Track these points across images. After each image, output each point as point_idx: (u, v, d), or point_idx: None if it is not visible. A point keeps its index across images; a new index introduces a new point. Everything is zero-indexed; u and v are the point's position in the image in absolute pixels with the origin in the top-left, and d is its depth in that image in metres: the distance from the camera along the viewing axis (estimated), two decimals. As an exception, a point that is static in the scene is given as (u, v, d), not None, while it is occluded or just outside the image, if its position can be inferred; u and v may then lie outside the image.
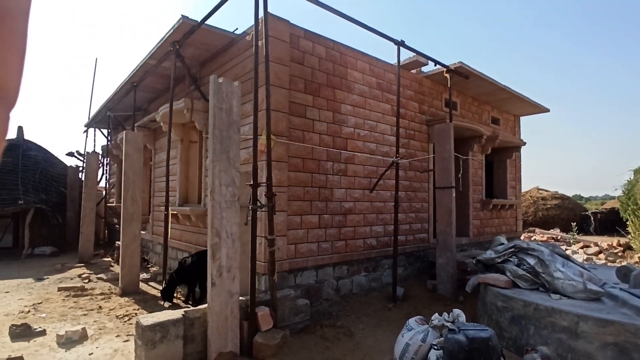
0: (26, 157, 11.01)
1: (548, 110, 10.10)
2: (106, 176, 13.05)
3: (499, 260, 4.77)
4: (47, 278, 7.30)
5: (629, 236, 11.39)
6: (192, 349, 3.46)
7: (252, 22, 4.43)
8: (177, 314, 3.46)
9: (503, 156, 9.88)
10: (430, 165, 7.76)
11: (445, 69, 6.97)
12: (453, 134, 5.86)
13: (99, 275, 7.39)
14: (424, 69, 7.61)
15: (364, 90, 6.29)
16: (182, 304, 5.53)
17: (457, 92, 8.39)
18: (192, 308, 3.64)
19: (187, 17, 5.31)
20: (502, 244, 6.18)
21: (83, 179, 12.84)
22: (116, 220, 12.20)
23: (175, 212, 6.49)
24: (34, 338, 4.19)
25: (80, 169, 11.79)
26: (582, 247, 12.49)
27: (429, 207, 7.50)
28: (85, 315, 5.07)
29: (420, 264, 7.20)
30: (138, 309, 5.28)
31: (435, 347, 3.30)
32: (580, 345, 3.41)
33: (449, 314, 3.53)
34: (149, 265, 8.72)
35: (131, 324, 4.70)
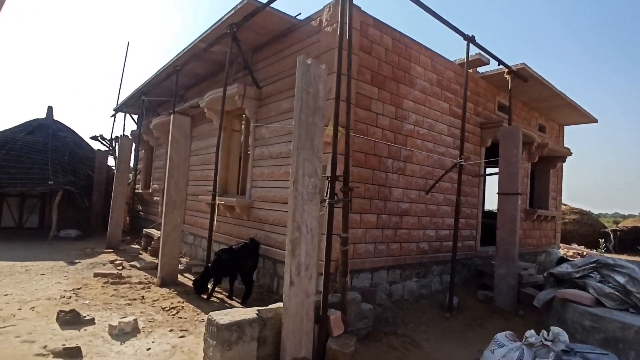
0: (56, 137, 10.84)
1: (596, 121, 9.68)
2: (133, 162, 12.87)
3: (577, 275, 4.43)
4: (79, 262, 7.09)
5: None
6: (263, 351, 3.17)
7: (313, 7, 4.12)
8: (251, 313, 3.18)
9: (547, 166, 9.48)
10: (481, 171, 7.42)
11: (506, 70, 6.62)
12: (522, 137, 5.51)
13: (132, 263, 7.15)
14: (481, 69, 7.27)
15: (425, 87, 5.97)
16: (227, 300, 5.26)
17: (508, 94, 8.02)
18: (264, 307, 3.34)
19: (254, -4, 5.02)
20: (559, 257, 5.82)
21: (112, 163, 12.71)
22: (140, 207, 12.01)
23: (222, 202, 6.19)
24: (83, 326, 3.94)
25: (109, 153, 11.62)
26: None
27: (477, 213, 7.16)
28: (129, 305, 4.81)
29: (466, 272, 6.86)
30: (182, 302, 5.01)
31: (537, 369, 2.97)
32: (695, 377, 3.06)
33: (547, 332, 3.20)
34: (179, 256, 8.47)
35: (180, 317, 4.44)
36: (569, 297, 4.12)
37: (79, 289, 5.34)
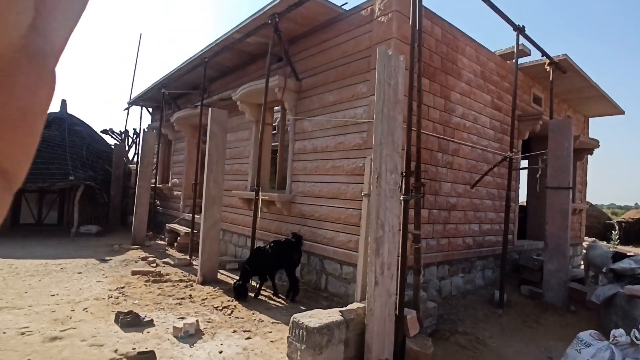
0: (72, 131, 10.61)
1: (623, 113, 9.59)
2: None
3: (641, 271, 4.35)
4: (111, 259, 6.95)
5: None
6: (347, 354, 3.08)
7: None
8: (335, 314, 3.07)
9: (575, 158, 9.38)
10: (520, 164, 7.32)
11: (548, 61, 6.49)
12: (574, 132, 5.41)
13: (164, 260, 7.03)
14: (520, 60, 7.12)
15: (470, 79, 5.83)
16: (274, 298, 5.15)
17: (541, 86, 7.91)
18: (346, 308, 3.24)
19: (301, -15, 4.84)
20: (615, 252, 5.77)
21: (131, 157, 12.51)
22: (158, 202, 11.84)
23: (265, 198, 6.04)
24: (144, 328, 3.82)
25: (127, 147, 11.42)
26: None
27: (515, 207, 7.07)
28: (179, 304, 4.70)
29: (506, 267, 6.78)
30: (231, 300, 4.90)
31: (635, 369, 2.90)
32: None
33: (638, 331, 3.12)
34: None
35: (237, 317, 4.33)
36: (638, 294, 4.06)
37: (122, 287, 5.21)
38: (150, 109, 12.85)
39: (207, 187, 5.84)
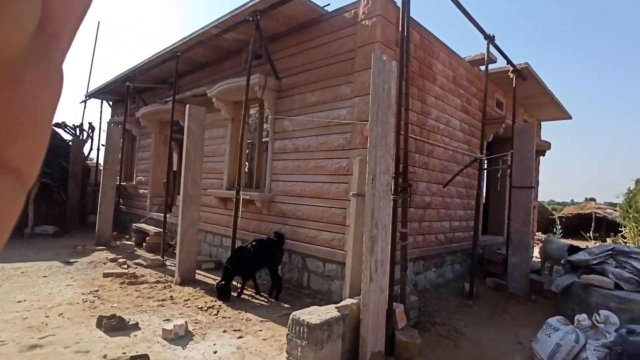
0: (23, 125, 9.83)
1: (571, 118, 10.50)
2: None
3: (594, 262, 4.86)
4: (76, 261, 6.58)
5: (622, 239, 12.24)
6: (344, 348, 3.20)
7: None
8: (333, 310, 3.18)
9: (529, 158, 10.15)
10: (485, 165, 7.79)
11: (511, 69, 6.98)
12: (536, 136, 5.88)
13: (136, 261, 6.76)
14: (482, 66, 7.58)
15: (443, 83, 6.15)
16: (258, 297, 5.16)
17: (503, 91, 8.48)
18: (341, 304, 3.35)
19: (286, -15, 4.85)
20: (570, 245, 6.34)
21: (86, 152, 11.79)
22: (122, 201, 11.28)
23: (247, 197, 5.98)
24: (131, 332, 3.71)
25: (84, 142, 10.76)
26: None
27: (476, 203, 7.53)
28: (161, 306, 4.58)
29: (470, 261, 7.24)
30: (215, 300, 4.84)
31: (598, 348, 3.27)
32: None
33: (600, 315, 3.51)
34: (175, 251, 8.12)
35: (224, 317, 4.31)
36: (593, 282, 4.53)
37: (96, 291, 4.98)
38: (110, 102, 12.19)
39: (185, 186, 5.70)
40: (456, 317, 4.90)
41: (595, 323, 3.48)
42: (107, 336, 3.59)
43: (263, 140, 7.05)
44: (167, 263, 6.86)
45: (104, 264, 6.61)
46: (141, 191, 10.03)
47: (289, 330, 3.08)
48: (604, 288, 4.43)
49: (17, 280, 5.26)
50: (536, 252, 10.47)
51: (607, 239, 17.35)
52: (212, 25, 6.05)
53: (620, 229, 12.67)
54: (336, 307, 3.24)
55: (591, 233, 19.52)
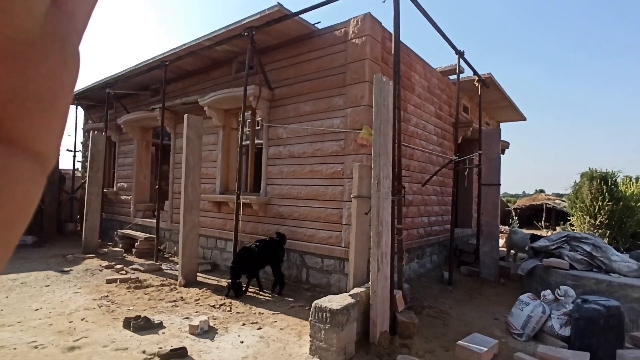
0: (-7, 133, 9.51)
1: (525, 119, 11.66)
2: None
3: (552, 247, 5.71)
4: (71, 270, 6.64)
5: (570, 227, 13.71)
6: (357, 329, 3.72)
7: (332, 16, 4.65)
8: (347, 298, 3.69)
9: (490, 157, 11.19)
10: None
11: (477, 78, 7.80)
12: (500, 138, 6.69)
13: (133, 267, 6.90)
14: (453, 76, 8.37)
15: (420, 93, 6.82)
16: (261, 293, 5.56)
17: (468, 97, 9.35)
18: (353, 292, 3.87)
19: (283, 5, 5.27)
20: (532, 234, 7.23)
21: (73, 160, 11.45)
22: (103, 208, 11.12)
23: (247, 201, 6.32)
24: (158, 330, 4.03)
25: (67, 149, 10.54)
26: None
27: (452, 200, 8.34)
28: (175, 306, 4.89)
29: (446, 252, 8.01)
30: (223, 299, 5.20)
31: (560, 316, 4.02)
32: (648, 311, 4.40)
33: (561, 289, 4.27)
34: (165, 255, 8.29)
35: (239, 313, 4.70)
36: (552, 264, 5.36)
37: (106, 296, 5.18)
38: (83, 107, 11.94)
39: (185, 192, 5.98)
40: (440, 300, 5.58)
41: (557, 297, 4.25)
42: (138, 335, 3.89)
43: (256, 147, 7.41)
44: (163, 267, 7.05)
45: (100, 271, 6.71)
46: (123, 197, 10.01)
47: (311, 317, 3.55)
48: (561, 269, 5.26)
49: (21, 291, 5.32)
50: (501, 242, 11.55)
51: (557, 227, 19.14)
52: (205, 37, 6.34)
53: (568, 218, 14.13)
54: (350, 295, 3.75)
55: (542, 222, 21.32)
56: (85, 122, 11.85)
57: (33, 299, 4.98)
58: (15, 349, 3.47)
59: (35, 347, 3.52)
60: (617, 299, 4.56)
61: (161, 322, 4.19)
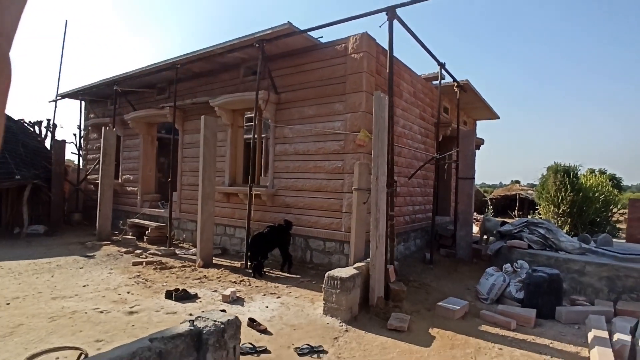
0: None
1: (498, 118, 12.85)
2: (82, 152, 12.29)
3: (515, 231, 6.84)
4: (94, 255, 7.35)
5: (538, 215, 15.17)
6: (360, 294, 4.69)
7: (332, 29, 5.53)
8: (352, 270, 4.65)
9: (467, 152, 12.34)
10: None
11: (456, 84, 8.82)
12: (475, 137, 7.75)
13: (150, 252, 7.65)
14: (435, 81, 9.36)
15: (407, 98, 7.78)
16: (271, 272, 6.46)
17: (448, 99, 10.40)
18: (356, 265, 4.83)
19: (292, 23, 6.07)
20: (501, 221, 8.35)
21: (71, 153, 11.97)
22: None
23: (259, 192, 7.14)
24: (195, 300, 4.90)
25: (72, 143, 11.01)
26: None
27: (433, 191, 9.41)
28: (201, 282, 5.74)
29: (427, 236, 9.11)
30: (240, 276, 6.09)
31: (516, 283, 5.11)
32: (585, 279, 5.56)
33: (518, 263, 5.37)
34: (174, 242, 9.04)
35: (257, 286, 5.60)
36: (514, 245, 6.48)
37: (138, 276, 5.97)
38: (83, 102, 12.36)
39: (203, 185, 6.77)
40: (423, 276, 6.63)
41: (515, 269, 5.34)
42: (180, 303, 4.74)
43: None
44: (177, 252, 7.84)
45: (121, 255, 7.45)
46: (129, 189, 10.64)
47: (324, 285, 4.49)
48: (521, 248, 6.39)
49: (61, 272, 6.05)
50: (475, 229, 12.79)
51: (528, 215, 20.74)
52: (218, 46, 7.07)
53: (536, 207, 15.57)
54: (355, 268, 4.72)
55: (516, 212, 22.89)
56: (87, 117, 12.29)
57: (76, 278, 5.74)
58: (86, 313, 4.28)
59: (101, 312, 4.34)
60: (562, 271, 5.72)
61: (196, 294, 5.06)
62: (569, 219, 13.54)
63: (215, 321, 2.83)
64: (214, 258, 7.29)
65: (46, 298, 4.77)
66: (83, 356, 3.27)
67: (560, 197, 13.32)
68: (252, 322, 4.07)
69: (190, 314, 4.38)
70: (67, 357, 3.27)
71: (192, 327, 2.71)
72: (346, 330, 4.11)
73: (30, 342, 3.53)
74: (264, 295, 5.21)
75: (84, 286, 5.31)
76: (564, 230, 12.06)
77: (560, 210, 13.53)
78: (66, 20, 12.30)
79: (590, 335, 3.80)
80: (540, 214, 15.06)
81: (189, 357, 2.65)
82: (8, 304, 4.52)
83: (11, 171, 8.87)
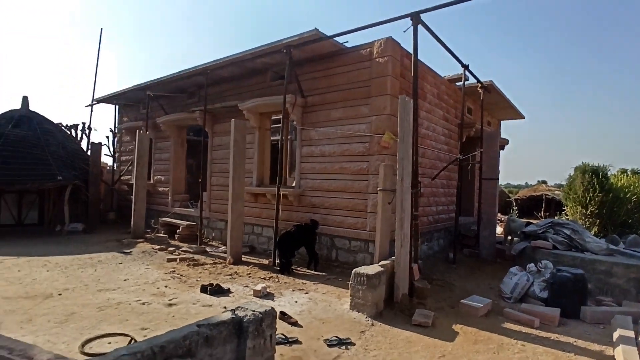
0: (44, 130, 10.61)
1: (524, 118, 12.69)
2: (116, 154, 12.93)
3: (540, 232, 6.83)
4: (131, 252, 7.80)
5: (565, 217, 14.84)
6: (385, 291, 4.87)
7: (354, 36, 5.69)
8: (377, 267, 4.83)
9: (491, 152, 12.25)
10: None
11: (479, 85, 8.84)
12: (499, 139, 7.77)
13: (183, 249, 8.05)
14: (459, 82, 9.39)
15: (431, 99, 7.88)
16: (298, 269, 6.71)
17: (472, 100, 10.39)
18: (382, 263, 5.01)
19: (319, 29, 6.30)
20: (525, 222, 8.33)
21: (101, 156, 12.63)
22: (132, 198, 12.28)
23: (286, 192, 7.42)
24: (228, 294, 5.19)
25: (105, 145, 11.63)
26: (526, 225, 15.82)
27: (456, 192, 9.45)
28: (232, 279, 6.05)
29: (450, 236, 9.16)
30: (269, 273, 6.36)
31: (540, 283, 5.16)
32: (612, 280, 5.54)
33: (542, 263, 5.41)
34: (204, 240, 9.44)
35: (286, 282, 5.86)
36: (539, 245, 6.48)
37: (173, 271, 6.33)
38: (116, 107, 13.01)
39: (233, 185, 7.09)
40: (446, 275, 6.73)
41: (539, 268, 5.39)
42: (214, 297, 5.05)
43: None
44: (207, 249, 8.21)
45: (155, 252, 7.87)
46: (160, 189, 11.16)
47: (351, 281, 4.69)
48: (546, 249, 6.39)
49: (102, 267, 6.49)
50: (499, 229, 12.68)
51: (555, 217, 20.25)
52: (248, 52, 7.36)
53: (563, 208, 15.24)
54: (379, 265, 4.89)
55: (542, 213, 22.35)
56: (120, 121, 12.93)
57: (116, 272, 6.15)
58: (130, 304, 4.64)
59: (143, 304, 4.69)
60: (588, 271, 5.71)
61: (229, 289, 5.36)
62: (598, 220, 13.21)
63: (254, 311, 3.09)
64: (243, 256, 7.61)
65: (92, 290, 5.17)
66: (133, 342, 3.60)
67: (588, 198, 13.02)
68: (283, 315, 4.31)
69: (225, 307, 4.66)
70: (117, 342, 3.60)
71: (234, 316, 2.98)
72: (372, 325, 4.30)
73: (84, 328, 3.89)
74: (293, 291, 5.46)
75: (125, 280, 5.71)
76: (592, 232, 11.81)
77: (589, 211, 13.22)
78: (101, 29, 13.01)
79: (616, 334, 3.85)
80: (567, 215, 14.75)
81: (231, 343, 2.91)
82: (60, 294, 4.94)
83: (54, 172, 9.48)
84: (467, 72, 7.93)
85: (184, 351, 2.52)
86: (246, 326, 2.95)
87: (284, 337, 3.78)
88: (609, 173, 13.65)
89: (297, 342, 3.76)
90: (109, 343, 3.57)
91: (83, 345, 3.46)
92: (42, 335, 3.65)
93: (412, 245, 5.31)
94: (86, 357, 3.29)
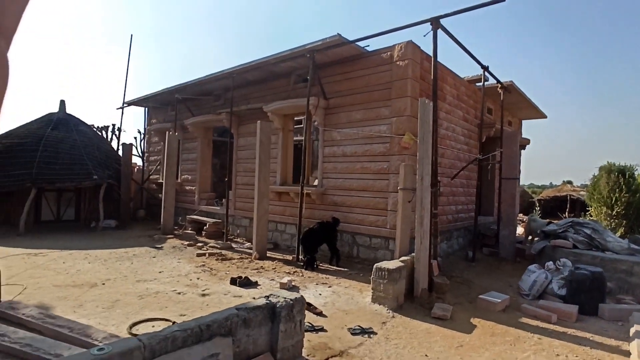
0: (80, 132, 11.28)
1: (546, 117, 12.58)
2: (145, 154, 13.55)
3: (560, 231, 6.89)
4: (162, 247, 8.27)
5: (589, 217, 14.58)
6: (405, 285, 5.09)
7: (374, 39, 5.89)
8: (398, 262, 5.05)
9: (512, 152, 12.21)
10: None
11: (499, 85, 8.90)
12: (519, 138, 7.83)
13: (210, 245, 8.48)
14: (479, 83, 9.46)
15: (450, 100, 8.02)
16: (320, 265, 6.99)
17: (492, 100, 10.42)
18: (402, 259, 5.23)
19: (341, 34, 6.56)
20: (547, 221, 8.36)
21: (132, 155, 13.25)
22: (161, 196, 12.86)
23: (309, 191, 7.72)
24: (256, 286, 5.52)
25: (134, 145, 12.24)
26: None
27: (476, 192, 9.53)
28: (259, 272, 6.38)
29: (470, 235, 9.24)
30: (293, 268, 6.66)
31: (558, 280, 5.27)
32: (633, 280, 5.58)
33: (560, 261, 5.51)
34: (230, 237, 9.85)
35: (309, 277, 6.15)
36: (559, 244, 6.55)
37: (203, 265, 6.72)
38: (146, 109, 13.63)
39: (258, 185, 7.43)
40: (465, 273, 6.87)
41: (557, 267, 5.49)
42: (243, 289, 5.38)
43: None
44: (233, 246, 8.60)
45: (185, 247, 8.31)
46: (187, 188, 11.66)
47: (373, 275, 4.93)
48: (566, 248, 6.45)
49: (138, 260, 6.94)
50: (519, 229, 12.62)
51: (580, 218, 19.84)
52: (272, 57, 7.70)
53: (587, 208, 14.99)
54: (400, 261, 5.12)
55: (567, 213, 21.89)
56: (149, 123, 13.54)
57: (151, 265, 6.59)
58: (167, 293, 5.03)
59: (179, 294, 5.06)
60: (608, 270, 5.77)
61: (256, 282, 5.69)
62: (624, 221, 12.96)
63: (285, 298, 3.40)
64: (267, 252, 7.95)
65: (132, 280, 5.60)
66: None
67: (613, 198, 12.80)
68: (309, 306, 4.59)
69: (254, 298, 4.98)
70: (160, 325, 3.96)
71: (268, 302, 3.29)
72: (393, 317, 4.53)
73: (129, 313, 4.28)
74: (316, 284, 5.74)
75: (160, 272, 6.12)
76: (618, 233, 11.63)
77: (614, 212, 12.98)
78: (131, 35, 13.62)
79: (633, 330, 3.96)
80: (591, 216, 14.50)
81: (266, 326, 3.22)
82: (104, 284, 5.38)
83: (90, 172, 10.09)
84: (486, 73, 8.03)
85: (225, 330, 2.85)
86: (279, 311, 3.25)
87: (310, 325, 4.07)
88: (635, 173, 13.37)
89: (322, 329, 4.04)
90: (153, 326, 3.94)
91: (131, 327, 3.85)
92: (93, 319, 4.05)
93: (431, 242, 5.50)
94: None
